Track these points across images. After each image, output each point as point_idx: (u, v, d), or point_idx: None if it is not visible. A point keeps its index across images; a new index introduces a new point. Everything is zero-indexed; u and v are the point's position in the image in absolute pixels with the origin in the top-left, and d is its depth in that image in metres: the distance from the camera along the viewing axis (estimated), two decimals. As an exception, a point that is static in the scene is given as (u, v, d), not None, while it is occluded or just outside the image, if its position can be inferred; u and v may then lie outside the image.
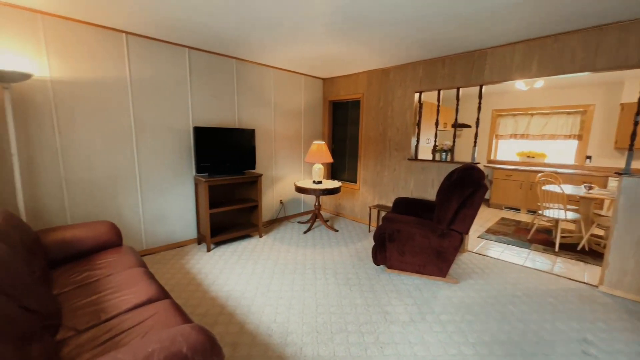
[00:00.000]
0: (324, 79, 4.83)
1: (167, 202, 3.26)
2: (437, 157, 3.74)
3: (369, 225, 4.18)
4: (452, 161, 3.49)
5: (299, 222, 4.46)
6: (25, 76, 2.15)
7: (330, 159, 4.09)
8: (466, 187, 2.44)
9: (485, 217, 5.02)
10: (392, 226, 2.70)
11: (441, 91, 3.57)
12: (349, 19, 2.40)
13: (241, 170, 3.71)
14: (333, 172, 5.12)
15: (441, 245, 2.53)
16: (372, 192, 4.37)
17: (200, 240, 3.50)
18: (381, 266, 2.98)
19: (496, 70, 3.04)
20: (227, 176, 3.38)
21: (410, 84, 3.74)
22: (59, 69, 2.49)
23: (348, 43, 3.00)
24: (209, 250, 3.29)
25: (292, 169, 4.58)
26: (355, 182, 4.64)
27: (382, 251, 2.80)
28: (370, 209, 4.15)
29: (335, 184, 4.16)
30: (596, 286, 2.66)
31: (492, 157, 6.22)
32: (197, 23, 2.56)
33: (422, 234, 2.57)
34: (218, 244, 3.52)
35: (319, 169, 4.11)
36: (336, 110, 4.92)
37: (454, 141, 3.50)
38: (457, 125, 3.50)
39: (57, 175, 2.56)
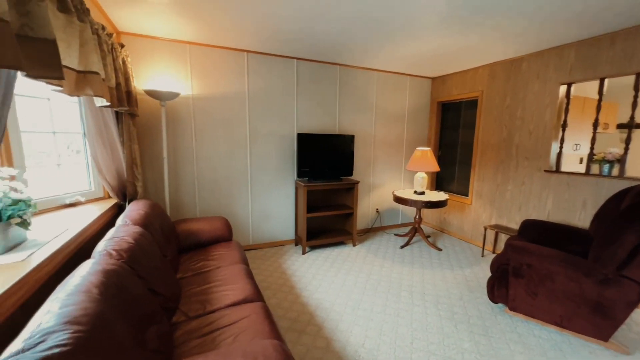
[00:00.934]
0: (432, 79, 4.34)
1: (271, 203, 3.53)
2: (595, 169, 2.75)
3: (483, 248, 3.47)
4: (621, 176, 2.50)
5: (395, 235, 4.13)
6: (175, 95, 2.68)
7: (436, 168, 3.61)
8: (654, 217, 1.65)
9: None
10: (520, 257, 2.10)
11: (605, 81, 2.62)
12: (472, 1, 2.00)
13: (338, 177, 3.68)
14: (438, 181, 4.53)
15: (602, 296, 1.79)
16: (488, 208, 3.62)
17: (297, 242, 3.65)
18: (499, 305, 2.38)
19: None
20: (325, 182, 3.41)
21: (554, 74, 2.90)
22: (198, 87, 3.01)
23: (467, 32, 2.54)
24: (304, 252, 3.39)
25: (391, 177, 4.29)
26: (467, 195, 3.96)
27: (502, 286, 2.22)
28: (485, 229, 3.44)
29: (440, 195, 3.65)
30: None
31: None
32: (307, 33, 2.64)
33: (569, 275, 1.89)
34: (313, 247, 3.58)
35: (422, 179, 3.69)
36: (446, 112, 4.34)
37: (626, 148, 2.50)
38: (634, 126, 2.48)
39: (191, 175, 3.10)
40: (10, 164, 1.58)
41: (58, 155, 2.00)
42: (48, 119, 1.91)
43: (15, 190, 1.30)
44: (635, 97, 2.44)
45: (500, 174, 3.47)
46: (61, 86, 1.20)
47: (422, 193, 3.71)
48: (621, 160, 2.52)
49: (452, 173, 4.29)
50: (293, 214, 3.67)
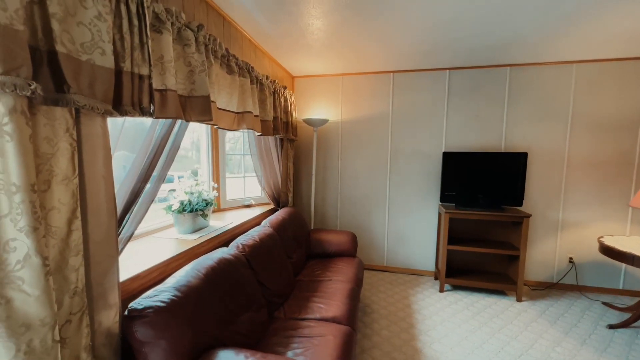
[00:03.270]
0: None
1: (409, 227, 3.29)
2: None
3: None
4: None
5: (605, 304, 2.68)
6: (325, 121, 3.12)
7: None
8: None
9: None
10: None
11: None
12: None
13: (499, 206, 2.90)
14: None
15: None
16: None
17: (436, 275, 3.17)
18: None
19: None
20: (477, 210, 2.78)
21: None
22: (346, 112, 3.35)
23: None
24: (441, 290, 2.89)
25: (601, 214, 2.86)
26: None
27: None
28: None
29: None
30: None
31: None
32: (461, 40, 2.34)
33: None
34: (457, 287, 2.98)
35: (665, 223, 2.22)
36: None
37: None
38: None
39: (335, 191, 3.46)
40: (217, 176, 2.46)
41: (244, 171, 2.87)
42: (241, 146, 2.80)
43: (203, 193, 2.00)
44: None
45: None
46: (224, 127, 1.76)
47: (668, 248, 2.22)
48: None
49: None
50: (434, 243, 3.24)
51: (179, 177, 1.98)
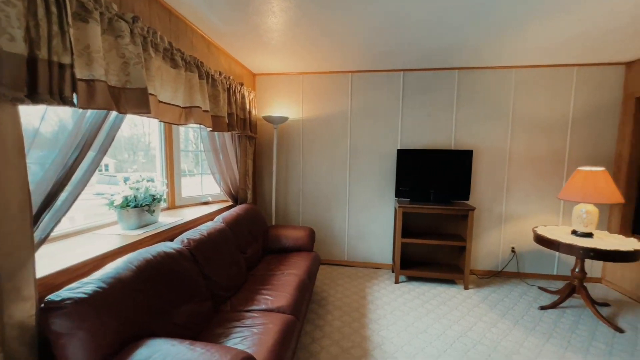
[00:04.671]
0: (627, 64, 2.88)
1: (369, 222, 3.41)
2: None
3: None
4: None
5: (541, 289, 2.94)
6: (284, 119, 3.16)
7: (616, 198, 2.34)
8: None
9: None
10: None
11: None
12: None
13: (449, 200, 3.08)
14: (638, 220, 2.87)
15: None
16: None
17: (393, 268, 3.31)
18: None
19: None
20: (429, 205, 2.94)
21: None
22: (307, 111, 3.41)
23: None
24: (397, 281, 3.03)
25: (539, 207, 3.12)
26: (698, 250, 2.29)
27: None
28: None
29: (625, 242, 2.31)
30: None
31: None
32: (414, 43, 2.47)
33: None
34: (411, 278, 3.13)
35: (586, 213, 2.48)
36: (656, 112, 2.74)
37: None
38: None
39: (297, 188, 3.50)
40: (171, 173, 2.42)
41: (201, 168, 2.85)
42: (196, 143, 2.77)
43: (149, 189, 1.97)
44: None
45: None
46: (165, 120, 1.74)
47: (589, 235, 2.48)
48: None
49: (667, 210, 2.61)
50: (392, 237, 3.38)
51: (124, 179, 1.93)
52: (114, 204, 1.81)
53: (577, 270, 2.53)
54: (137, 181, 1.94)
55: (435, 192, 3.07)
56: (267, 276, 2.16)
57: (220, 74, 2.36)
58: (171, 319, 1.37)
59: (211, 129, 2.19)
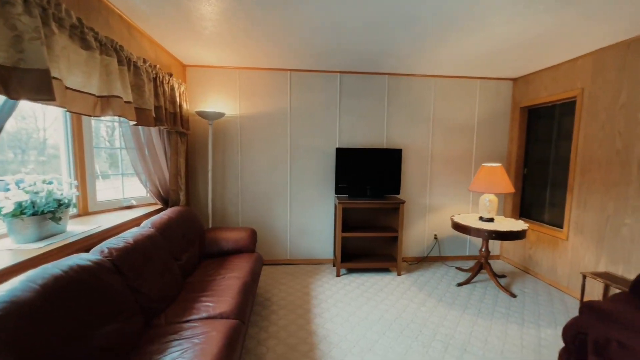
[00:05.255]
0: (514, 80, 3.54)
1: (310, 219, 3.46)
2: None
3: (581, 301, 2.49)
4: None
5: (457, 269, 3.41)
6: (220, 115, 2.98)
7: (509, 188, 2.86)
8: None
9: None
10: (606, 329, 1.39)
11: None
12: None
13: (382, 195, 3.34)
14: (524, 207, 3.57)
15: None
16: (593, 248, 2.60)
17: (335, 262, 3.44)
18: (581, 394, 1.61)
19: None
20: (365, 200, 3.13)
21: (702, 53, 1.92)
22: (245, 107, 3.28)
23: (550, 11, 1.96)
24: (338, 275, 3.15)
25: (454, 199, 3.62)
26: (561, 226, 2.96)
27: (580, 367, 1.50)
28: (584, 276, 2.47)
29: (515, 224, 2.84)
30: None
31: None
32: (347, 46, 2.58)
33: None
34: (351, 270, 3.30)
35: (489, 202, 2.97)
36: (533, 119, 3.44)
37: None
38: None
39: (236, 187, 3.35)
40: (82, 173, 2.04)
41: (122, 168, 2.49)
42: (110, 140, 2.41)
43: (54, 191, 1.64)
44: None
45: (612, 200, 2.46)
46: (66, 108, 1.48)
47: (491, 220, 2.97)
48: None
49: (542, 197, 3.31)
50: (332, 232, 3.50)
51: (17, 182, 1.56)
52: (2, 213, 1.45)
53: (483, 249, 3.02)
54: (34, 183, 1.59)
55: (371, 187, 3.29)
56: (207, 282, 2.02)
57: (144, 61, 2.10)
58: (90, 343, 1.17)
59: (135, 122, 1.93)
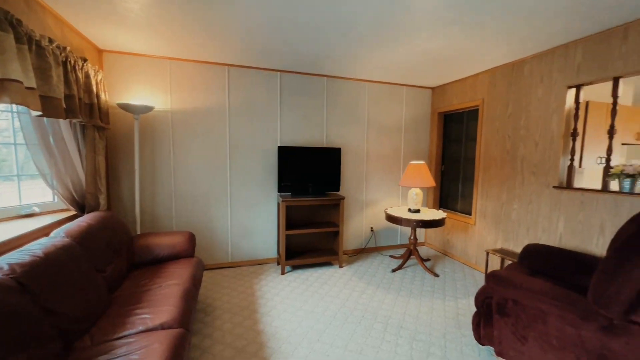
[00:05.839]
0: (432, 88, 4.07)
1: (253, 219, 3.39)
2: (615, 186, 2.29)
3: (486, 273, 3.01)
4: (646, 194, 2.04)
5: (391, 257, 3.77)
6: (149, 109, 2.69)
7: (431, 183, 3.28)
8: (672, 246, 1.25)
9: None
10: (503, 291, 1.73)
11: (621, 82, 2.21)
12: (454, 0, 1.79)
13: (324, 192, 3.47)
14: (443, 199, 4.14)
15: (607, 348, 1.38)
16: (493, 230, 3.18)
17: (278, 261, 3.44)
18: (488, 347, 1.97)
19: None
20: (307, 197, 3.21)
21: (559, 76, 2.54)
22: (178, 101, 3.03)
23: (458, 35, 2.30)
24: (282, 273, 3.16)
25: (387, 193, 3.98)
26: (470, 214, 3.54)
27: (488, 325, 1.84)
28: (487, 253, 3.01)
29: (437, 214, 3.28)
30: None
31: None
32: (285, 45, 2.59)
33: (564, 317, 1.50)
34: (296, 267, 3.34)
35: (416, 195, 3.36)
36: (448, 123, 4.01)
37: (650, 160, 2.05)
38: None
39: (169, 188, 3.07)
40: None
41: (18, 169, 2.04)
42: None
43: None
44: (658, 98, 2.02)
45: (506, 190, 3.05)
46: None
47: (417, 211, 3.37)
48: (645, 174, 2.06)
49: (456, 189, 3.89)
50: (276, 231, 3.49)
51: None
52: None
53: (412, 237, 3.40)
54: None
55: (313, 185, 3.39)
56: (141, 293, 1.82)
57: (50, 41, 1.78)
58: (-8, 379, 0.96)
59: (40, 113, 1.62)
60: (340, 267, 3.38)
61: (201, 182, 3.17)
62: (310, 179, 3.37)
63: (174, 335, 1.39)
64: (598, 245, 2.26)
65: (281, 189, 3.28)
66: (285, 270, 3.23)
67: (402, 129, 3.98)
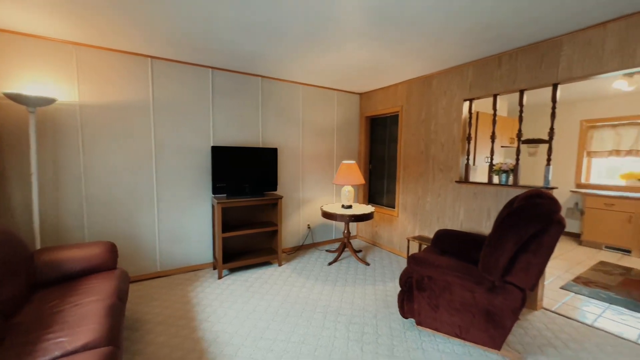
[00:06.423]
0: (360, 94, 4.44)
1: (184, 223, 3.18)
2: (496, 179, 2.93)
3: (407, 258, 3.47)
4: (515, 185, 2.67)
5: (327, 251, 3.99)
6: (49, 100, 2.29)
7: (361, 181, 3.60)
8: (529, 222, 1.70)
9: (574, 259, 3.79)
10: (420, 270, 2.06)
11: (524, 97, 2.83)
12: (378, 19, 2.01)
13: (261, 192, 3.48)
14: (371, 195, 4.56)
15: (491, 304, 1.79)
16: (412, 220, 3.68)
17: (215, 265, 3.31)
18: (411, 320, 2.31)
19: (578, 62, 2.24)
20: (245, 198, 3.17)
21: (458, 91, 3.09)
22: (88, 94, 2.65)
23: (380, 49, 2.59)
24: (220, 277, 3.06)
25: (322, 191, 4.20)
26: (394, 207, 4.00)
27: (410, 301, 2.15)
28: (408, 240, 3.47)
29: (367, 209, 3.62)
30: None
31: (582, 180, 4.85)
32: (215, 42, 2.50)
33: (464, 285, 1.88)
34: (234, 270, 3.27)
35: (348, 192, 3.64)
36: (374, 126, 4.44)
37: (517, 159, 2.69)
38: (524, 140, 2.69)
39: (78, 194, 2.66)
40: None
41: None
42: None
43: None
44: (521, 112, 2.66)
45: (421, 186, 3.56)
46: None
47: (350, 207, 3.65)
48: (514, 170, 2.70)
49: (382, 186, 4.34)
50: (211, 234, 3.35)
51: None
52: None
53: (345, 232, 3.67)
54: None
55: (249, 185, 3.36)
56: (51, 315, 1.57)
57: None
58: None
59: None
60: (280, 265, 3.44)
61: (120, 186, 2.83)
62: (246, 180, 3.34)
63: (103, 354, 1.26)
64: (486, 226, 2.84)
65: (216, 190, 3.16)
66: (223, 274, 3.13)
67: (335, 131, 4.24)
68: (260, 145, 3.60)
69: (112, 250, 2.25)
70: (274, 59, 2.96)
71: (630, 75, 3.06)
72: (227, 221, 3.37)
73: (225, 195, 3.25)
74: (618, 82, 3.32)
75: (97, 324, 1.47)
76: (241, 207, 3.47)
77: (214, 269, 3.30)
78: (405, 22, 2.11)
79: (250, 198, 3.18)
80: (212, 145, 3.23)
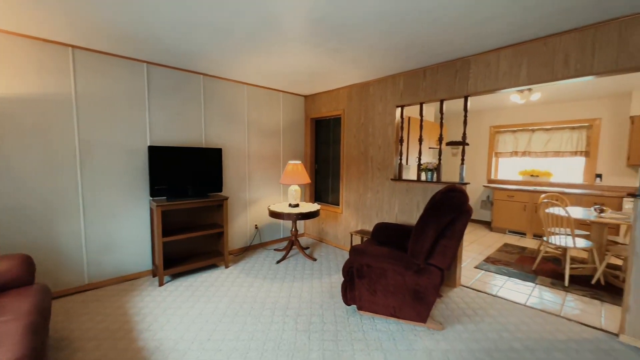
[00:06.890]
0: (305, 96, 4.59)
1: (118, 230, 2.93)
2: (423, 177, 3.36)
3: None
4: (438, 181, 3.09)
5: (275, 250, 4.05)
6: None
7: (307, 180, 3.74)
8: (445, 212, 2.03)
9: (485, 243, 4.51)
10: (360, 259, 2.28)
11: (444, 105, 3.24)
12: (320, 29, 2.14)
13: (205, 194, 3.38)
14: (317, 194, 4.75)
15: (418, 284, 2.08)
16: (355, 216, 3.96)
17: (154, 272, 3.11)
18: (353, 306, 2.53)
19: (480, 79, 2.71)
20: (187, 200, 3.05)
21: (391, 98, 3.44)
22: (-10, 85, 2.27)
23: (322, 56, 2.74)
24: (161, 284, 2.90)
25: (270, 192, 4.23)
26: (338, 204, 4.25)
27: (352, 289, 2.36)
28: (351, 234, 3.73)
29: (313, 207, 3.78)
30: (616, 335, 2.14)
31: (492, 177, 5.77)
32: (149, 35, 2.36)
33: (396, 270, 2.14)
34: (177, 276, 3.12)
35: (295, 191, 3.75)
36: (318, 128, 4.63)
37: (439, 159, 3.12)
38: (447, 143, 3.14)
39: (-22, 201, 2.27)
40: None
41: None
42: None
43: None
44: (442, 118, 3.09)
45: (362, 184, 3.85)
46: None
47: (297, 206, 3.76)
48: (437, 169, 3.13)
49: (327, 185, 4.56)
50: (149, 240, 3.14)
51: None
52: None
53: (293, 230, 3.78)
54: None
55: (192, 187, 3.24)
56: (-51, 344, 1.35)
57: None
58: None
59: None
60: (227, 267, 3.39)
61: (36, 191, 2.49)
62: (189, 181, 3.21)
63: (27, 374, 1.16)
64: (417, 217, 3.23)
65: (155, 192, 2.98)
66: (164, 281, 2.97)
67: (281, 132, 4.31)
68: (204, 146, 3.49)
69: (28, 263, 1.99)
70: (218, 59, 2.91)
71: (521, 91, 3.78)
72: (169, 225, 3.20)
73: (165, 197, 3.08)
74: (514, 96, 4.06)
75: (16, 345, 1.32)
76: (183, 210, 3.32)
77: (154, 276, 3.11)
78: (344, 34, 2.30)
79: (193, 200, 3.07)
80: (149, 145, 3.03)
